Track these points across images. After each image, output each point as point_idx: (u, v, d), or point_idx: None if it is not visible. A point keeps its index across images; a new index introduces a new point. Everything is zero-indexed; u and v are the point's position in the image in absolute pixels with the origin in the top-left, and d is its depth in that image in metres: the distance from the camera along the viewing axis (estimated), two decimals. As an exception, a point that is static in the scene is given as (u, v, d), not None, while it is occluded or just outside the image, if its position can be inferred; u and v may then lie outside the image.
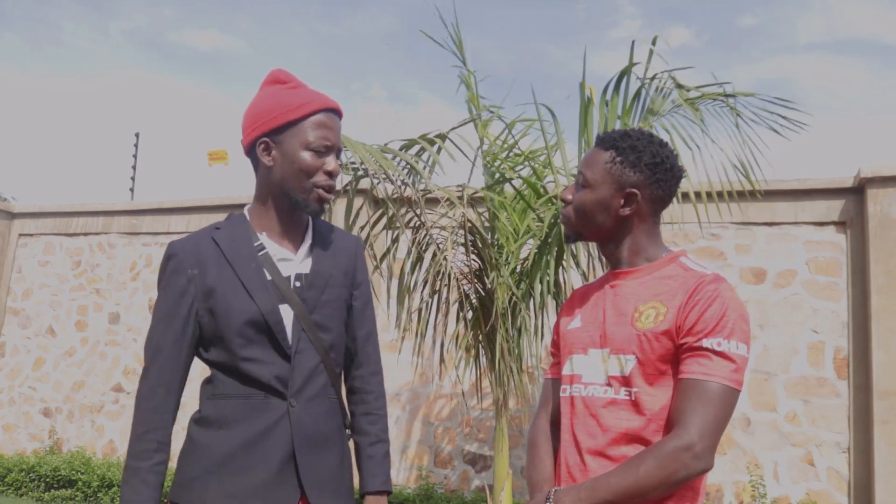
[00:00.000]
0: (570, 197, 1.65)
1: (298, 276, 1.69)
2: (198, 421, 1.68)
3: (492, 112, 4.11)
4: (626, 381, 1.50)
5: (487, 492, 4.11)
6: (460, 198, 3.85)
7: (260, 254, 1.68)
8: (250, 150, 1.73)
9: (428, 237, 4.06)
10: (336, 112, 1.72)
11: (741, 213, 5.75)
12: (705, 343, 1.44)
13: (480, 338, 4.18)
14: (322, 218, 1.89)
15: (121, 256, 8.06)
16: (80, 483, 6.62)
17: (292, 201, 1.69)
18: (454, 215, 3.99)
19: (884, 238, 5.42)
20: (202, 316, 1.66)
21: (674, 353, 1.48)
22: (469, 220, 3.80)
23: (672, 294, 1.51)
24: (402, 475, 6.42)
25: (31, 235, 8.54)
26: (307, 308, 1.67)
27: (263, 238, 1.71)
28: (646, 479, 1.40)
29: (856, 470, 5.35)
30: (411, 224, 4.10)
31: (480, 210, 4.21)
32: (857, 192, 5.67)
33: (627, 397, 1.50)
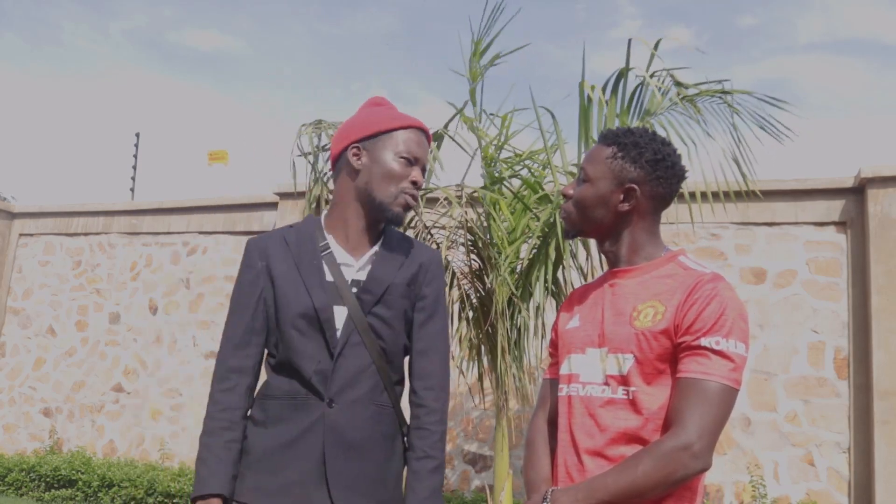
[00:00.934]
0: (570, 192, 1.65)
1: (355, 282, 1.75)
2: (248, 419, 1.77)
3: (491, 115, 4.09)
4: (623, 381, 1.50)
5: (487, 492, 4.10)
6: (459, 197, 3.85)
7: (323, 254, 1.77)
8: (339, 157, 1.83)
9: (429, 236, 4.05)
10: (425, 134, 1.83)
11: (741, 213, 5.74)
12: (703, 342, 1.44)
13: (481, 337, 4.18)
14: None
15: (121, 256, 8.06)
16: (80, 483, 6.62)
17: (376, 205, 1.76)
18: (454, 215, 3.98)
19: (884, 238, 5.42)
20: (269, 306, 1.76)
21: (672, 352, 1.47)
22: (468, 220, 3.79)
23: (671, 293, 1.50)
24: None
25: (31, 235, 8.55)
26: (363, 309, 1.73)
27: (330, 240, 1.79)
28: (644, 479, 1.39)
29: (856, 470, 5.35)
30: (412, 224, 4.10)
31: (480, 210, 4.21)
32: (857, 192, 5.66)
33: (625, 396, 1.49)
